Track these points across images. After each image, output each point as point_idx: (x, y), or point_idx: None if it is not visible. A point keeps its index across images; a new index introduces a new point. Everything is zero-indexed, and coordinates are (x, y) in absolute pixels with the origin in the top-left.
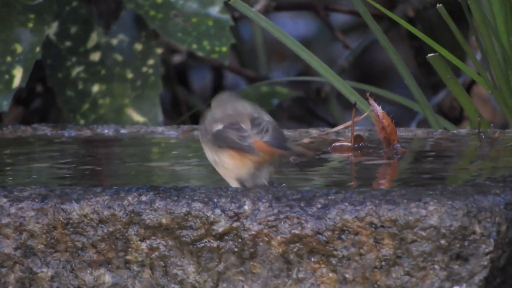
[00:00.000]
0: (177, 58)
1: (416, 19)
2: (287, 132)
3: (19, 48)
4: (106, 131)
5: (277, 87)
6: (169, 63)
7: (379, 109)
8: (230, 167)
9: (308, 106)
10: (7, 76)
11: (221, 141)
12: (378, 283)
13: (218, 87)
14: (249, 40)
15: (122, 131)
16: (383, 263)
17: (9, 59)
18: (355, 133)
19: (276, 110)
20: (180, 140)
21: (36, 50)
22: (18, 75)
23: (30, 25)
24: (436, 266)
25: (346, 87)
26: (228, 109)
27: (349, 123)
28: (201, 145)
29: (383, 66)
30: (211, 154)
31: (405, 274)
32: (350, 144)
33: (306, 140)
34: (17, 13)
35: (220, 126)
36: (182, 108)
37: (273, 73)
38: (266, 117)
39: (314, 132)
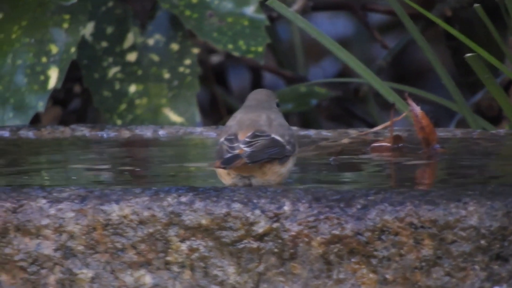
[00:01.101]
0: (215, 58)
1: (454, 19)
2: (325, 133)
3: (54, 49)
4: (144, 131)
5: (316, 87)
6: (207, 63)
7: (418, 109)
8: (220, 177)
9: (346, 106)
10: (42, 77)
11: (216, 152)
12: (419, 283)
13: (256, 87)
14: (287, 40)
15: (161, 131)
16: (423, 263)
17: (44, 59)
18: (394, 134)
19: (315, 111)
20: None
21: (71, 51)
22: (53, 76)
23: (65, 25)
24: (476, 267)
25: (384, 87)
26: (244, 117)
27: (388, 123)
28: None
29: (420, 66)
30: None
31: (446, 274)
32: (389, 144)
33: (345, 140)
34: (52, 14)
35: (222, 139)
36: (221, 109)
37: (311, 73)
38: (278, 131)
39: (353, 132)
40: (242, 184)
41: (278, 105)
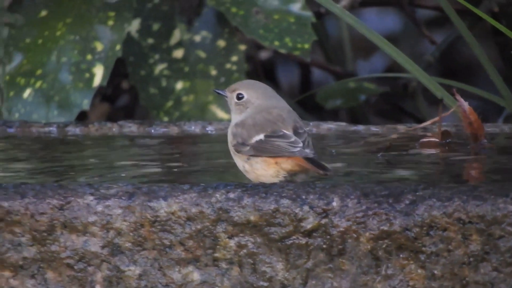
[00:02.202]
0: (264, 54)
1: (501, 15)
2: (374, 128)
3: (99, 46)
4: (192, 127)
5: (364, 83)
6: (256, 59)
7: (466, 104)
8: (264, 173)
9: (395, 101)
10: (87, 75)
11: (265, 151)
12: (467, 279)
13: (305, 83)
14: (335, 36)
15: (209, 128)
16: (471, 259)
17: (89, 57)
18: (442, 129)
19: (363, 106)
20: None
21: (116, 48)
22: (98, 74)
23: (110, 22)
24: None
25: (432, 83)
26: (266, 115)
27: (436, 118)
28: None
29: (468, 61)
30: (242, 163)
31: (493, 269)
32: (437, 139)
33: (394, 136)
34: (97, 11)
35: (261, 136)
36: None
37: (360, 69)
38: (300, 122)
39: (401, 128)
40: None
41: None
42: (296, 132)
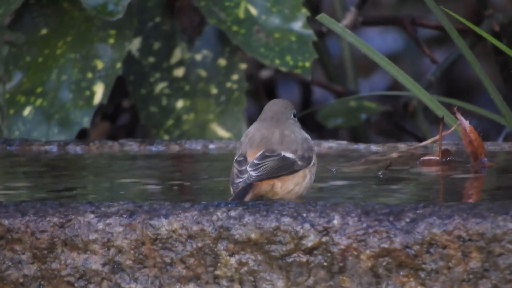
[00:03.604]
0: (265, 73)
1: (502, 34)
2: (375, 147)
3: (100, 64)
4: (194, 145)
5: (365, 101)
6: (257, 78)
7: (466, 123)
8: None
9: (395, 120)
10: (88, 93)
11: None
12: None
13: (306, 101)
14: (336, 55)
15: (210, 146)
16: (471, 276)
17: (89, 75)
18: (443, 147)
19: (364, 125)
20: None
21: (117, 66)
22: (99, 92)
23: (111, 41)
24: None
25: (433, 101)
26: (256, 134)
27: (437, 137)
28: None
29: (469, 80)
30: None
31: (493, 286)
32: (438, 158)
33: (394, 155)
34: (98, 29)
35: (235, 157)
36: None
37: (361, 88)
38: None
39: (402, 146)
40: None
41: (295, 115)
42: (263, 156)
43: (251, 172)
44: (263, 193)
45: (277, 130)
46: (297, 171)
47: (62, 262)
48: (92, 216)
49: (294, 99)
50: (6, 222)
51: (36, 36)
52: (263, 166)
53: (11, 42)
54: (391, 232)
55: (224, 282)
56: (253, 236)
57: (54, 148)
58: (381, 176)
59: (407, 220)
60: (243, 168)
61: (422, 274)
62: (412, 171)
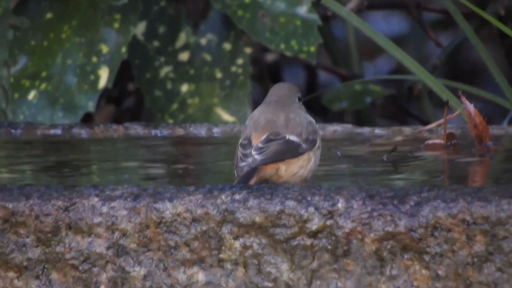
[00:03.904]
0: (270, 57)
1: (507, 18)
2: (380, 131)
3: (104, 49)
4: (198, 129)
5: (370, 85)
6: (262, 62)
7: (471, 107)
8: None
9: (400, 104)
10: (92, 77)
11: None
12: (470, 279)
13: (311, 85)
14: (341, 39)
15: (215, 130)
16: (475, 259)
17: (94, 59)
18: (447, 131)
19: (369, 109)
20: None
21: (122, 50)
22: (104, 76)
23: (116, 25)
24: None
25: (438, 85)
26: (261, 117)
27: (441, 121)
28: None
29: (474, 64)
30: None
31: (497, 270)
32: (442, 142)
33: (399, 138)
34: (103, 14)
35: (240, 140)
36: None
37: (365, 72)
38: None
39: (407, 130)
40: None
41: (300, 99)
42: (267, 139)
43: (255, 156)
44: (268, 177)
45: (282, 113)
46: (301, 154)
47: (66, 245)
48: (96, 199)
49: (299, 83)
50: (11, 205)
51: (41, 20)
52: (267, 149)
53: (16, 26)
54: (395, 216)
55: (228, 266)
56: (257, 219)
57: (58, 132)
58: (385, 159)
59: (412, 203)
60: (248, 151)
61: (427, 258)
62: (416, 154)
